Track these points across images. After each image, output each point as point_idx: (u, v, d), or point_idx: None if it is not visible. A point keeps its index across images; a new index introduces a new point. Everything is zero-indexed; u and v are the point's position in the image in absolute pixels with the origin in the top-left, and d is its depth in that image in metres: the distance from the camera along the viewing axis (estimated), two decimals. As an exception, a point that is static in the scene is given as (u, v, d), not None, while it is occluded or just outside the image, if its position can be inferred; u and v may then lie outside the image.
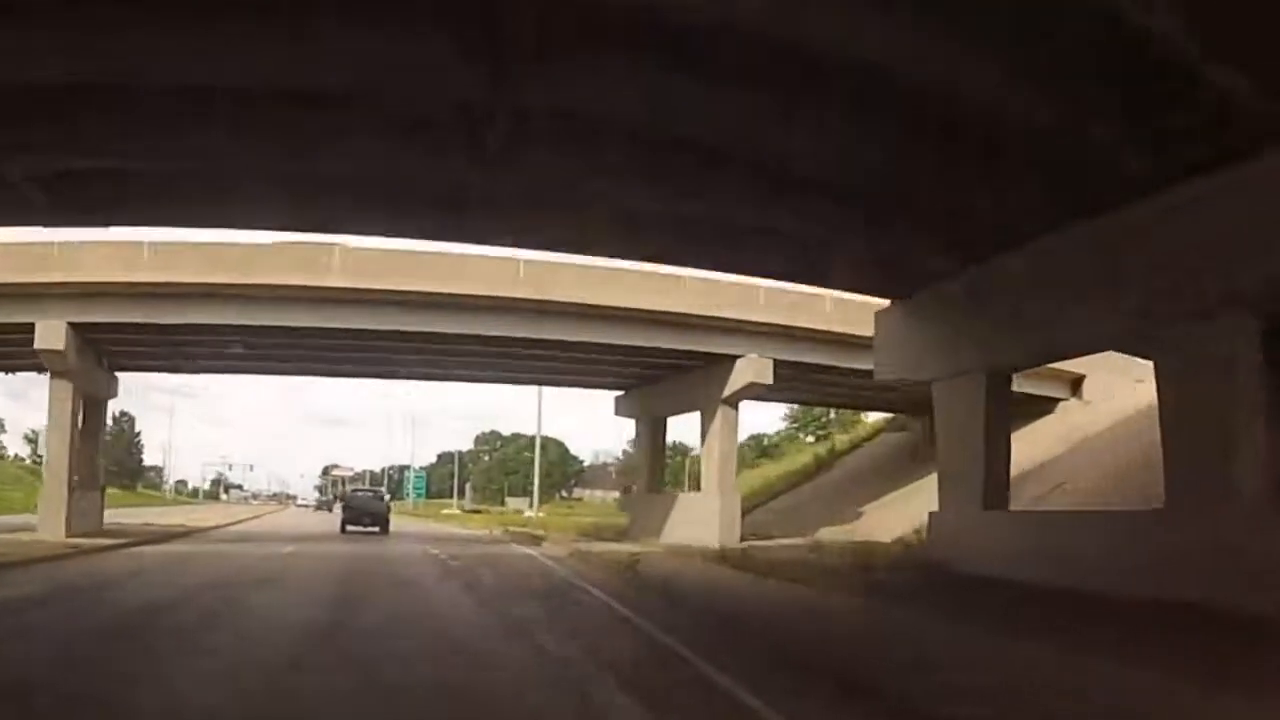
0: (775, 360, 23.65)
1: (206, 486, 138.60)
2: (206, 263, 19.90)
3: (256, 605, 10.94)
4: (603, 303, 21.60)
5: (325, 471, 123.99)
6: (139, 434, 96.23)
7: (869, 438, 39.02)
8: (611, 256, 17.63)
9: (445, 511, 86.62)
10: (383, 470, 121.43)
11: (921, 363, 16.12)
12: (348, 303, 20.79)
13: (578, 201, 12.22)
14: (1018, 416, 19.33)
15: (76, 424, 22.95)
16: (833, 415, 50.14)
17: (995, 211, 11.72)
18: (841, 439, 42.51)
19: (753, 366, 23.58)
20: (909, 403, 28.12)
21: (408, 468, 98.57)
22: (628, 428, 38.88)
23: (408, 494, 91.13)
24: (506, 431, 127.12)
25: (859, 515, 27.63)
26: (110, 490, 29.94)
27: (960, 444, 15.20)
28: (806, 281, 19.13)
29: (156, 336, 22.77)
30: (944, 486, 15.77)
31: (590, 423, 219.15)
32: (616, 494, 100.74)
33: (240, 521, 40.11)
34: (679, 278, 21.81)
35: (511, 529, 34.83)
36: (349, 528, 30.96)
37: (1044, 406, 27.78)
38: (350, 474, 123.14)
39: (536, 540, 26.34)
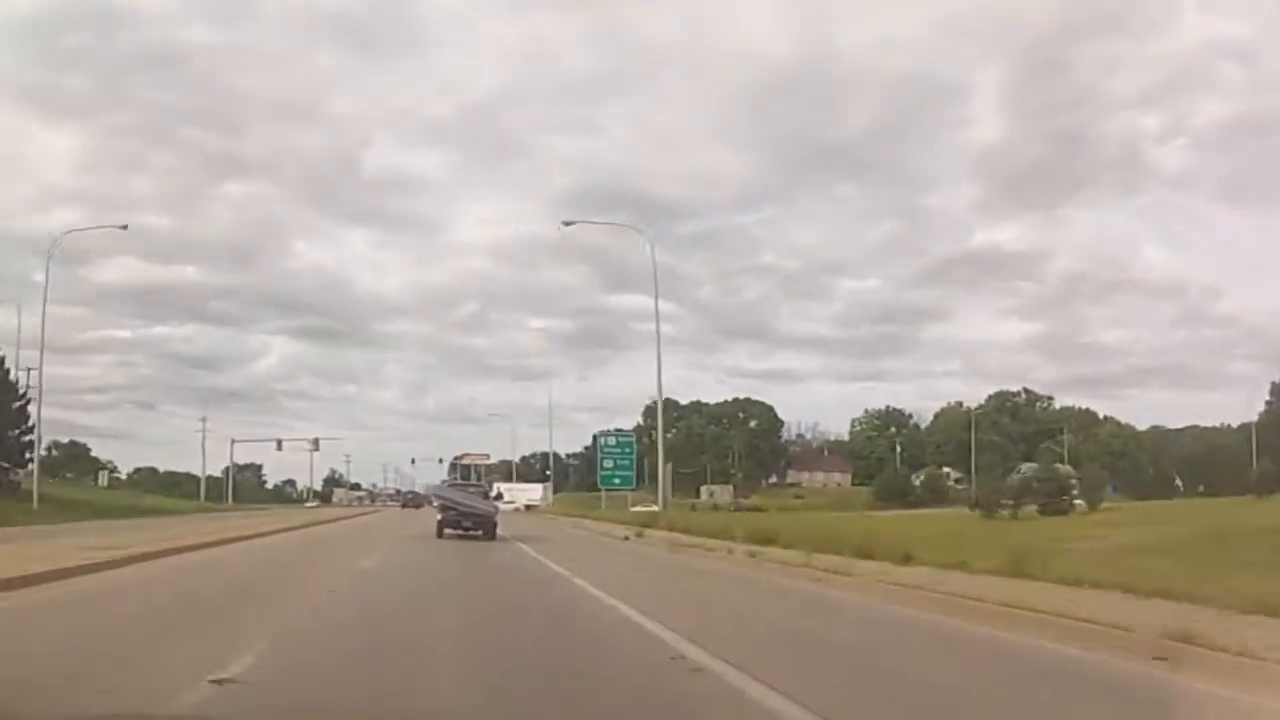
0: None
1: (319, 487, 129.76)
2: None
3: None
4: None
5: (455, 463, 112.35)
6: (22, 391, 52.41)
7: None
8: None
9: (637, 509, 55.02)
10: (525, 458, 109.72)
11: None
12: None
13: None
14: None
15: None
16: None
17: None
18: None
19: None
20: None
21: (611, 431, 59.80)
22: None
23: (616, 480, 56.11)
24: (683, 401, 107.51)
25: None
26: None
27: None
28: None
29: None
30: None
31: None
32: (841, 479, 78.23)
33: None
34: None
35: None
36: (446, 531, 27.47)
37: None
38: (486, 462, 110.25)
39: None
